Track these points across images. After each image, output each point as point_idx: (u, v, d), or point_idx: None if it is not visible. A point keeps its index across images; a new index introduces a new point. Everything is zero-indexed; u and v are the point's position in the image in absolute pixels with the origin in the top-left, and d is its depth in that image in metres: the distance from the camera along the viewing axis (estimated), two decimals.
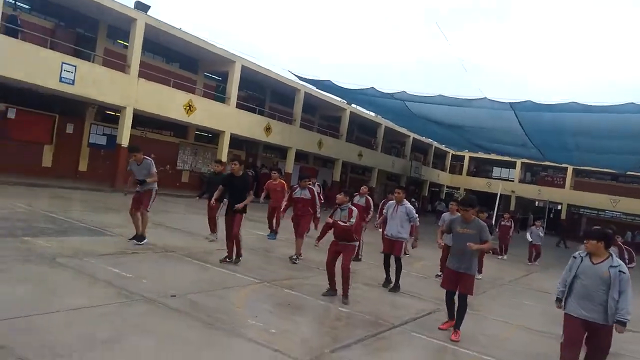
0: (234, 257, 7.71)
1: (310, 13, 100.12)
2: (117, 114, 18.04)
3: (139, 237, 8.02)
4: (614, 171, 33.69)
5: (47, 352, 3.55)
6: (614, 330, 4.37)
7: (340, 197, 6.67)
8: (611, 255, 4.50)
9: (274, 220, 11.21)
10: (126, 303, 4.97)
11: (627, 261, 8.66)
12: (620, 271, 4.36)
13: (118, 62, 17.37)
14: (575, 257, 4.65)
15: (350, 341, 4.93)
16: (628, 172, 31.13)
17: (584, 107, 14.14)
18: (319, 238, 6.87)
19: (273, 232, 11.23)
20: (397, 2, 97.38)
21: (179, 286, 5.90)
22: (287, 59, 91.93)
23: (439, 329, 5.79)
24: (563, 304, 4.62)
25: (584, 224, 37.78)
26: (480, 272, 10.31)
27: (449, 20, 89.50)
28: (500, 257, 14.70)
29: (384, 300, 7.05)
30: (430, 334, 5.57)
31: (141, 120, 19.57)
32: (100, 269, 6.15)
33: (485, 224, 5.88)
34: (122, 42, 19.02)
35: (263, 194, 11.38)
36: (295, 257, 8.80)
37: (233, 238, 7.57)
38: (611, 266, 4.38)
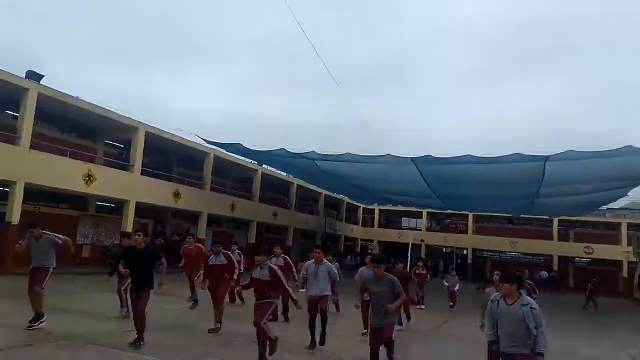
0: (135, 340, 6.83)
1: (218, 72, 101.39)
2: (5, 189, 16.49)
3: (36, 317, 7.39)
4: (509, 215, 36.63)
5: None
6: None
7: (259, 257, 6.63)
8: (521, 294, 4.93)
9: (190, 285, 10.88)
10: None
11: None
12: (531, 308, 4.80)
13: (6, 134, 16.08)
14: (493, 301, 5.07)
15: None
16: (521, 215, 33.96)
17: (476, 159, 15.42)
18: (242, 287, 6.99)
19: (195, 297, 10.85)
20: (301, 62, 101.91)
21: None
22: (192, 121, 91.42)
23: None
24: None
25: (489, 265, 40.25)
26: (406, 320, 10.76)
27: (352, 84, 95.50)
28: (418, 306, 14.93)
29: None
30: None
31: (34, 193, 18.05)
32: None
33: (396, 278, 6.17)
34: (12, 112, 17.75)
35: (182, 261, 11.03)
36: (216, 326, 8.37)
37: (141, 318, 6.86)
38: (522, 304, 4.82)
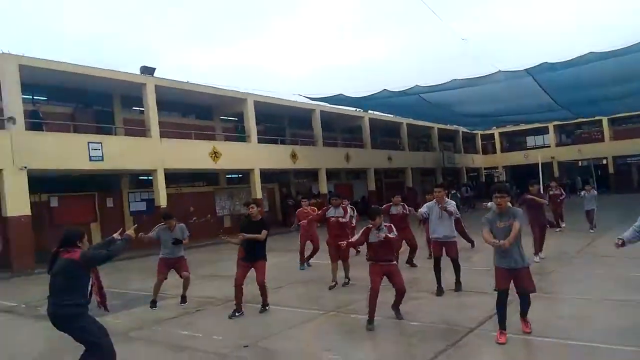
0: (261, 306, 7.19)
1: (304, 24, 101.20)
2: (150, 178, 18.58)
3: (184, 298, 8.13)
4: None
5: None
6: None
7: (374, 221, 6.10)
8: None
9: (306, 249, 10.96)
10: None
11: None
12: None
13: (138, 129, 17.99)
14: None
15: (431, 356, 4.84)
16: None
17: (601, 55, 13.69)
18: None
19: (304, 263, 10.92)
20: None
21: (248, 334, 5.97)
22: (294, 81, 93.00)
23: (499, 343, 5.05)
24: None
25: (636, 172, 36.29)
26: (540, 250, 10.00)
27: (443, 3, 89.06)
28: (558, 229, 14.15)
29: (451, 304, 6.90)
30: (509, 331, 5.39)
31: (173, 177, 20.08)
32: (171, 334, 6.29)
33: (520, 210, 5.47)
34: (138, 108, 19.71)
35: (295, 224, 11.22)
36: (347, 280, 8.66)
37: (259, 286, 7.03)
38: None
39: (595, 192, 14.94)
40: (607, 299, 6.54)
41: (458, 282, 7.62)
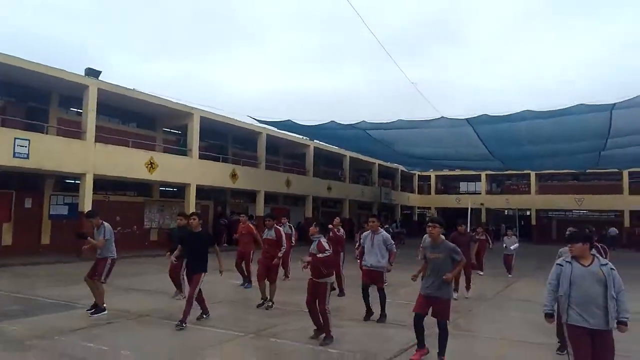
0: (199, 314, 7.24)
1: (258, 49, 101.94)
2: (77, 182, 17.59)
3: (96, 308, 7.56)
4: (574, 171, 34.86)
5: None
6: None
7: (312, 229, 6.57)
8: (595, 255, 4.38)
9: (244, 268, 10.88)
10: None
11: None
12: (611, 268, 4.25)
13: (73, 130, 17.11)
14: (561, 265, 4.41)
15: None
16: (588, 170, 32.22)
17: (536, 114, 14.62)
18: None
19: (247, 280, 10.84)
20: (341, 38, 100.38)
21: (159, 353, 5.64)
22: (246, 101, 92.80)
23: (410, 359, 5.40)
24: (562, 315, 4.35)
25: (555, 226, 38.70)
26: (468, 289, 10.44)
27: (400, 48, 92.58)
28: (479, 273, 14.65)
29: (371, 334, 6.90)
30: None
31: (102, 184, 19.14)
32: (74, 346, 5.83)
33: (454, 245, 5.69)
34: (76, 109, 18.80)
35: (236, 236, 11.26)
36: (270, 303, 8.50)
37: (189, 300, 6.92)
38: (602, 265, 4.26)
39: (516, 238, 15.73)
40: (521, 340, 6.78)
41: (383, 314, 7.68)
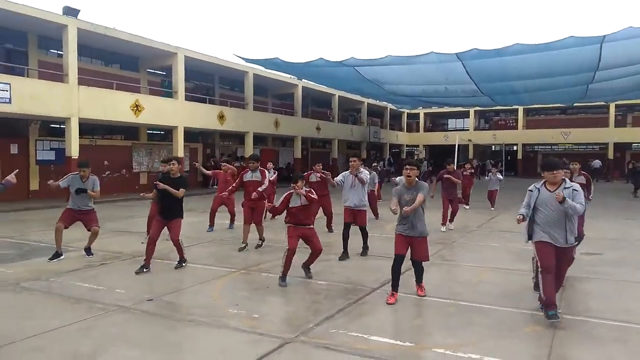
0: (177, 262, 7.18)
1: None
2: (62, 126, 17.36)
3: (89, 250, 7.83)
4: (561, 105, 34.93)
5: None
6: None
7: (296, 185, 6.28)
8: (564, 179, 4.86)
9: (229, 213, 10.93)
10: (102, 315, 4.90)
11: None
12: (574, 190, 4.75)
13: (55, 73, 16.64)
14: (531, 190, 4.98)
15: (333, 312, 5.03)
16: (575, 104, 32.30)
17: (527, 47, 14.48)
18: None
19: (212, 225, 10.76)
20: None
21: (153, 290, 5.85)
22: (232, 39, 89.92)
23: (388, 303, 5.35)
24: (527, 231, 4.97)
25: (540, 160, 39.26)
26: (452, 221, 10.91)
27: None
28: (465, 206, 15.13)
29: (358, 267, 7.19)
30: (408, 291, 5.72)
31: (88, 128, 18.92)
32: (70, 286, 6.02)
33: (426, 184, 5.72)
34: (56, 51, 18.20)
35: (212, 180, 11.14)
36: (260, 242, 8.64)
37: (174, 244, 7.00)
38: (565, 188, 4.76)
39: (500, 175, 16.29)
40: (499, 267, 7.11)
41: (365, 247, 7.99)
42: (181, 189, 6.92)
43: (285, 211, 6.37)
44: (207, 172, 12.13)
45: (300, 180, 6.35)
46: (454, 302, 5.37)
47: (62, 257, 7.58)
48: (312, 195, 6.29)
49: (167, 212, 6.94)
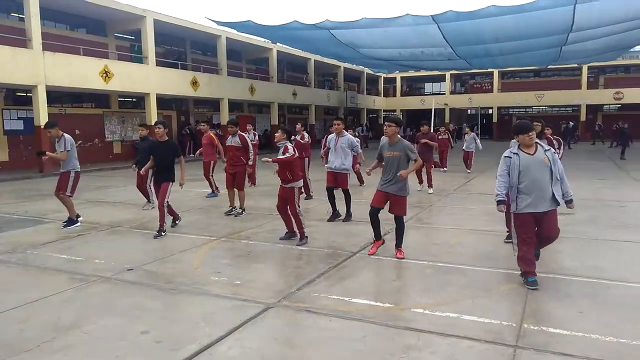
0: (171, 221, 7.50)
1: None
2: (29, 95, 16.73)
3: (69, 221, 7.66)
4: (536, 67, 35.26)
5: (10, 350, 3.45)
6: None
7: (277, 134, 6.62)
8: (538, 143, 4.67)
9: (210, 178, 10.86)
10: (82, 286, 4.87)
11: (557, 150, 9.09)
12: (553, 152, 4.69)
13: (18, 38, 15.88)
14: (509, 157, 4.67)
15: (314, 276, 5.09)
16: (549, 66, 32.65)
17: (501, 9, 14.47)
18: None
19: (213, 191, 10.84)
20: None
21: (133, 259, 5.82)
22: (203, 2, 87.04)
23: (369, 254, 5.77)
24: (512, 205, 4.69)
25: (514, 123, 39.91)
26: (430, 186, 11.11)
27: None
28: (442, 169, 15.35)
29: (339, 232, 7.26)
30: (387, 254, 5.83)
31: (57, 96, 18.31)
32: (47, 258, 5.94)
33: (409, 143, 5.80)
34: (17, 15, 17.34)
35: (199, 151, 11.10)
36: (240, 210, 8.64)
37: (161, 209, 7.05)
38: (545, 151, 4.62)
39: (474, 134, 16.20)
40: (476, 229, 7.28)
41: (348, 214, 8.00)
42: (181, 158, 7.41)
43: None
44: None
45: (281, 131, 6.62)
46: (431, 264, 5.50)
47: (77, 225, 7.65)
48: (282, 156, 6.39)
49: (159, 176, 7.16)
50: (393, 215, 5.79)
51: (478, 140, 15.64)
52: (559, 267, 5.39)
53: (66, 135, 7.62)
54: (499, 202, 4.72)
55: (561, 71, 37.86)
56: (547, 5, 13.91)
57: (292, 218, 6.56)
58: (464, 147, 16.05)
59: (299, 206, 6.51)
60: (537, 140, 4.75)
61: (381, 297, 4.57)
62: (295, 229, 6.57)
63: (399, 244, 5.80)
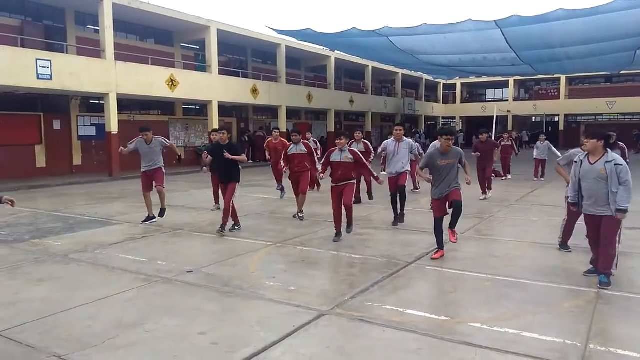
0: (231, 226, 7.74)
1: None
2: (101, 102, 17.80)
3: (161, 212, 8.63)
4: (607, 73, 33.31)
5: (78, 345, 3.67)
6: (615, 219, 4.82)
7: (341, 141, 6.93)
8: (607, 151, 4.82)
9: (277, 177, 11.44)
10: (145, 286, 5.09)
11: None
12: (615, 164, 4.69)
13: (92, 49, 17.00)
14: (576, 162, 5.06)
15: (368, 285, 5.06)
16: (622, 72, 30.74)
17: (570, 12, 13.83)
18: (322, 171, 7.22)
19: (280, 187, 11.43)
20: None
21: (193, 262, 6.02)
22: (264, 11, 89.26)
23: (432, 258, 5.97)
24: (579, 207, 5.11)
25: (583, 131, 37.87)
26: (490, 189, 11.21)
27: None
28: (504, 178, 14.83)
29: (394, 241, 7.18)
30: (444, 265, 5.70)
31: (126, 104, 19.35)
32: (114, 258, 6.27)
33: (461, 150, 6.09)
34: (93, 27, 18.55)
35: (268, 155, 11.59)
36: (300, 214, 8.79)
37: (226, 207, 7.48)
38: (606, 162, 4.74)
39: (549, 142, 15.46)
40: (538, 242, 6.95)
41: (402, 214, 8.13)
42: (243, 155, 7.75)
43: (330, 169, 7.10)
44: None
45: (344, 136, 7.03)
46: (491, 277, 5.31)
47: (154, 220, 8.44)
48: (348, 157, 6.94)
49: (225, 176, 7.58)
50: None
51: (553, 149, 14.69)
52: (630, 284, 5.04)
53: (156, 136, 8.56)
54: (570, 204, 5.28)
55: (635, 76, 35.52)
56: (621, 7, 13.12)
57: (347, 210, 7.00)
58: (535, 156, 15.43)
59: (352, 200, 7.07)
60: (608, 149, 4.85)
61: (437, 309, 4.47)
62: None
63: (453, 225, 5.98)
